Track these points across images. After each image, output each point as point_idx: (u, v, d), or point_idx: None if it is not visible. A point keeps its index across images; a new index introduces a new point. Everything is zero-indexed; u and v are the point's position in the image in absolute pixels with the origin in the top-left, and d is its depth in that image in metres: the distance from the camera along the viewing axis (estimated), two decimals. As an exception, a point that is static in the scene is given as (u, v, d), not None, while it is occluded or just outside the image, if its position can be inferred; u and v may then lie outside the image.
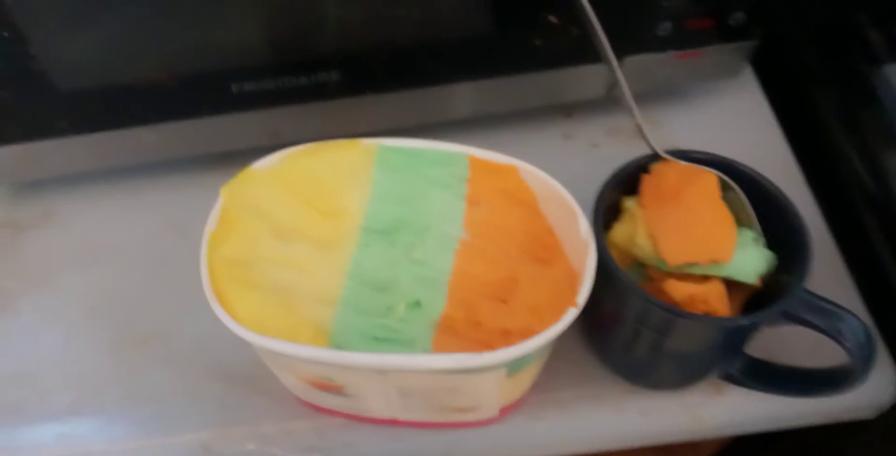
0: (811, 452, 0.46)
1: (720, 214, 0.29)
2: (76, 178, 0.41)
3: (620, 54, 0.38)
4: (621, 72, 0.30)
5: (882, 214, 0.39)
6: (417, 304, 0.28)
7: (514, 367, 0.27)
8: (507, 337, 0.27)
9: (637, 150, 0.31)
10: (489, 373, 0.27)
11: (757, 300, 0.30)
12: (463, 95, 0.39)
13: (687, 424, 0.34)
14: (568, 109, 0.44)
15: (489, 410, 0.32)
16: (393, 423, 0.33)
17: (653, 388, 0.35)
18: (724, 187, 0.31)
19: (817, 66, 0.45)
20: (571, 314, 0.26)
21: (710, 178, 0.30)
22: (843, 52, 0.43)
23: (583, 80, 0.40)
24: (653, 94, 0.44)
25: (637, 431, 0.35)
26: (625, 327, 0.31)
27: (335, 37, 0.34)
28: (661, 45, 0.38)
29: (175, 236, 0.39)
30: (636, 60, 0.39)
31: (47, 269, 0.39)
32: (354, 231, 0.29)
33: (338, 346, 0.27)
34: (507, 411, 0.33)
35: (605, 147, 0.43)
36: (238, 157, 0.35)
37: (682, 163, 0.31)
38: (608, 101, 0.41)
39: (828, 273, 0.38)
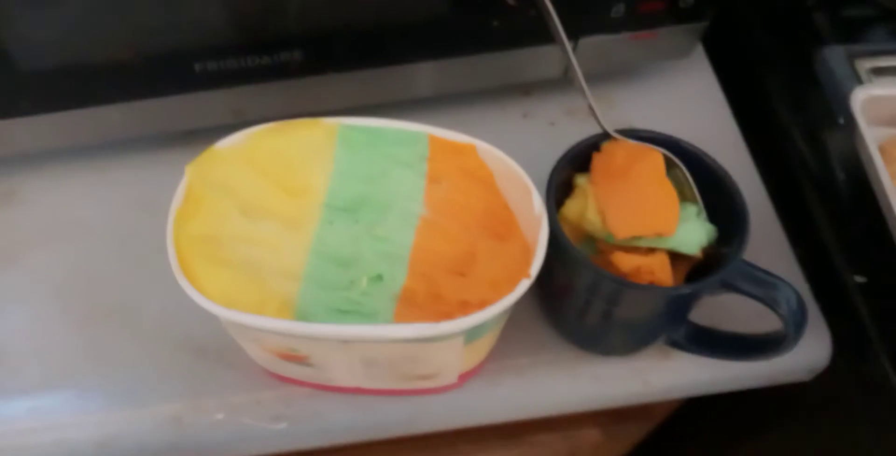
0: (756, 417, 0.49)
1: (665, 191, 0.31)
2: (41, 157, 0.41)
3: (575, 35, 0.39)
4: (576, 53, 0.32)
5: (822, 191, 0.41)
6: (379, 278, 0.29)
7: (471, 335, 0.29)
8: (466, 308, 0.29)
9: (593, 129, 0.33)
10: (448, 341, 0.29)
11: (701, 271, 0.32)
12: (423, 75, 0.40)
13: (636, 387, 0.36)
14: (527, 89, 0.46)
15: (449, 376, 0.33)
16: (357, 391, 0.34)
17: (604, 354, 0.37)
18: (670, 165, 0.32)
19: (766, 48, 0.46)
20: (524, 285, 0.28)
21: (656, 157, 0.31)
22: (791, 33, 0.45)
23: (540, 60, 0.41)
24: (608, 75, 0.45)
25: (590, 395, 0.37)
26: (576, 297, 0.32)
27: (297, 17, 0.35)
28: (616, 26, 0.40)
29: (142, 213, 0.40)
30: (591, 42, 0.40)
31: (14, 247, 0.39)
32: (318, 208, 0.30)
33: (303, 319, 0.28)
34: (466, 378, 0.35)
35: (562, 126, 0.45)
36: (203, 134, 0.36)
37: (631, 141, 0.32)
38: (565, 82, 0.42)
39: (770, 246, 0.40)
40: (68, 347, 0.36)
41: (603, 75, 0.45)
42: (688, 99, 0.46)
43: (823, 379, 0.39)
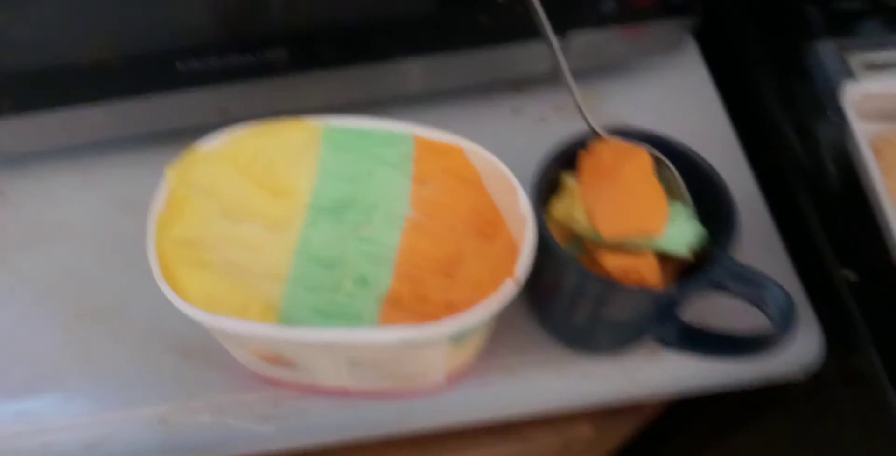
0: (748, 412, 0.49)
1: (653, 190, 0.30)
2: (26, 158, 0.41)
3: (564, 30, 0.39)
4: (565, 48, 0.31)
5: (813, 187, 0.41)
6: (364, 279, 0.29)
7: (457, 337, 0.29)
8: (452, 309, 0.28)
9: (583, 125, 0.32)
10: (434, 344, 0.28)
11: (692, 270, 0.32)
12: (411, 72, 0.39)
13: (625, 386, 0.36)
14: (517, 85, 0.45)
15: (436, 377, 0.33)
16: (343, 393, 0.34)
17: (592, 353, 0.36)
18: (659, 163, 0.32)
19: (757, 42, 0.46)
20: (509, 286, 0.27)
21: (643, 156, 0.31)
22: (782, 27, 0.44)
23: (529, 56, 0.40)
24: (598, 70, 0.45)
25: (578, 394, 0.36)
26: (564, 297, 0.32)
27: (281, 14, 0.35)
28: (605, 20, 0.39)
29: (128, 214, 0.40)
30: (580, 36, 0.40)
31: (0, 248, 0.39)
32: (302, 209, 0.30)
33: (287, 321, 0.28)
34: (454, 378, 0.35)
35: (552, 122, 0.44)
36: (189, 134, 0.35)
37: (619, 140, 0.32)
38: (555, 77, 0.42)
39: (761, 242, 0.40)
40: (55, 349, 0.36)
41: (593, 71, 0.44)
42: (679, 94, 0.45)
43: (813, 374, 0.39)
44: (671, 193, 0.32)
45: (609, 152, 0.31)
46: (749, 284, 0.29)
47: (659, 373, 0.37)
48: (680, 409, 0.52)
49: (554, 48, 0.31)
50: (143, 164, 0.41)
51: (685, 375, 0.37)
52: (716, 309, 0.36)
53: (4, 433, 0.34)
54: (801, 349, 0.37)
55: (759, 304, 0.29)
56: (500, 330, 0.35)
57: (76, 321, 0.37)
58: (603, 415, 0.52)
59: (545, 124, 0.44)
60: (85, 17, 0.32)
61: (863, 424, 0.39)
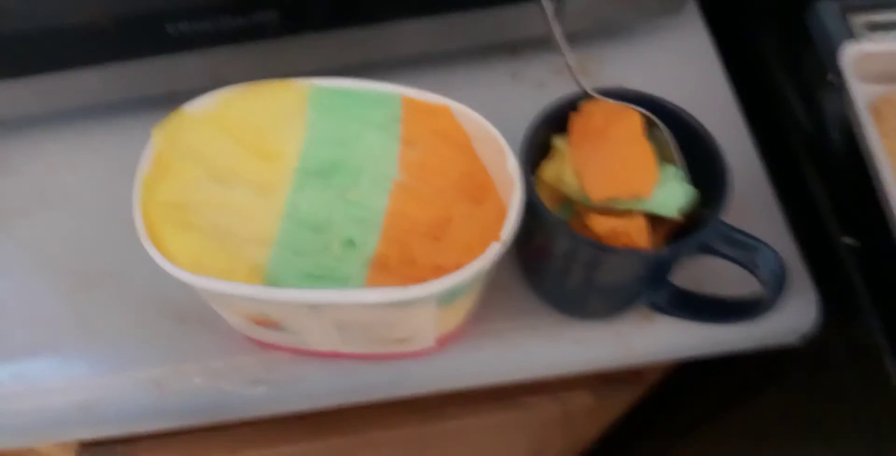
0: (748, 380, 0.49)
1: (643, 152, 0.30)
2: (23, 125, 0.41)
3: (560, -9, 0.38)
4: (562, 10, 0.31)
5: (815, 152, 0.40)
6: (351, 242, 0.29)
7: (444, 299, 0.29)
8: (440, 273, 0.28)
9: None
10: (420, 306, 0.28)
11: (683, 233, 0.31)
12: (404, 34, 0.39)
13: (619, 351, 0.36)
14: (514, 49, 0.45)
15: (425, 340, 0.33)
16: (335, 355, 0.34)
17: (585, 317, 0.36)
18: (652, 125, 0.31)
19: (761, 4, 0.45)
20: (495, 248, 0.27)
21: (633, 117, 0.30)
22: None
23: (525, 17, 0.40)
24: (597, 34, 0.44)
25: (571, 359, 0.36)
26: (554, 261, 0.32)
27: (271, -24, 0.34)
28: (602, -19, 0.38)
29: (126, 178, 0.39)
30: (577, -2, 0.39)
31: (0, 214, 0.39)
32: (290, 173, 0.30)
33: (274, 284, 0.28)
34: (445, 342, 0.35)
35: (551, 86, 0.44)
36: (186, 97, 0.35)
37: (610, 101, 0.31)
38: (552, 40, 0.41)
39: (760, 208, 0.39)
40: (53, 313, 0.36)
41: (592, 35, 0.43)
42: (680, 58, 0.45)
43: (814, 342, 0.39)
44: (663, 155, 0.31)
45: (599, 114, 0.31)
46: (740, 247, 0.29)
47: (652, 338, 0.36)
48: (681, 378, 0.52)
49: (543, 8, 0.31)
50: (140, 128, 0.40)
51: (679, 340, 0.37)
52: (712, 277, 0.36)
53: (3, 393, 0.34)
54: (798, 315, 0.37)
55: (750, 267, 0.29)
56: (493, 295, 0.35)
57: (75, 286, 0.37)
58: (603, 383, 0.52)
59: (544, 89, 0.44)
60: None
61: (863, 393, 0.39)
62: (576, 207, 0.31)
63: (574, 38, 0.31)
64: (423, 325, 0.31)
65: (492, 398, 0.52)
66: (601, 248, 0.29)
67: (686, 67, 0.44)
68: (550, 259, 0.32)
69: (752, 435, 0.51)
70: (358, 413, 0.44)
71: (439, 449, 0.59)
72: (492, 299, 0.35)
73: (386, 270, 0.29)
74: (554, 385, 0.52)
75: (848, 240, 0.36)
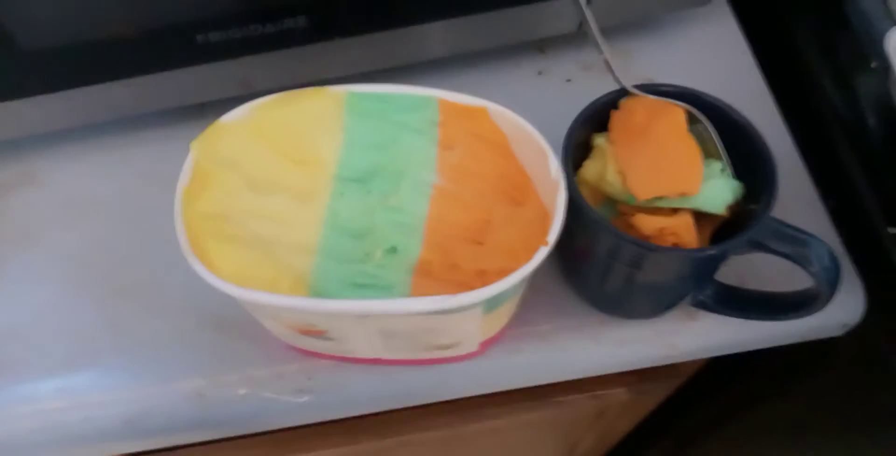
0: (785, 372, 0.48)
1: (687, 148, 0.29)
2: (55, 137, 0.41)
3: (589, -13, 0.37)
4: (590, 5, 0.30)
5: (854, 140, 0.39)
6: (394, 249, 0.28)
7: (490, 305, 0.28)
8: (484, 277, 0.28)
9: (611, 84, 0.31)
10: (466, 312, 0.28)
11: (728, 229, 0.31)
12: (433, 35, 0.38)
13: (661, 350, 0.36)
14: (541, 45, 0.44)
15: (469, 345, 0.33)
16: (377, 362, 0.34)
17: (627, 317, 0.36)
18: (693, 120, 0.31)
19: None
20: (542, 253, 0.27)
21: (676, 113, 0.30)
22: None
23: (553, 15, 0.39)
24: (625, 27, 0.43)
25: (613, 360, 0.36)
26: (598, 262, 0.31)
27: (298, -19, 0.34)
28: (631, -26, 0.38)
29: (158, 189, 0.39)
30: (606, -8, 0.38)
31: (32, 227, 0.39)
32: (329, 180, 0.30)
33: (318, 293, 0.28)
34: (487, 345, 0.34)
35: (579, 82, 0.43)
36: (214, 107, 0.35)
37: (650, 97, 0.31)
38: (580, 36, 0.41)
39: (799, 200, 0.39)
40: (91, 325, 0.36)
41: (619, 28, 0.43)
42: (709, 49, 0.44)
43: (855, 334, 0.38)
44: (706, 150, 0.31)
45: (641, 110, 0.30)
46: (792, 243, 0.28)
47: (696, 336, 0.36)
48: (716, 370, 0.52)
49: (581, 6, 0.30)
50: (172, 139, 0.40)
51: (723, 337, 0.36)
52: (747, 270, 0.35)
53: (46, 408, 0.34)
54: (844, 308, 0.37)
55: (802, 262, 0.28)
56: (534, 296, 0.35)
57: (112, 298, 0.37)
58: (639, 379, 0.52)
59: (572, 85, 0.43)
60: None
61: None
62: (619, 207, 0.31)
63: (602, 33, 0.30)
64: (469, 330, 0.31)
65: (526, 397, 0.52)
66: (650, 248, 0.28)
67: (716, 58, 0.44)
68: (594, 260, 0.32)
69: (785, 429, 0.51)
70: (395, 415, 0.43)
71: (471, 447, 0.59)
72: (533, 301, 0.35)
73: (429, 276, 0.28)
74: (589, 382, 0.51)
75: (893, 230, 0.36)
